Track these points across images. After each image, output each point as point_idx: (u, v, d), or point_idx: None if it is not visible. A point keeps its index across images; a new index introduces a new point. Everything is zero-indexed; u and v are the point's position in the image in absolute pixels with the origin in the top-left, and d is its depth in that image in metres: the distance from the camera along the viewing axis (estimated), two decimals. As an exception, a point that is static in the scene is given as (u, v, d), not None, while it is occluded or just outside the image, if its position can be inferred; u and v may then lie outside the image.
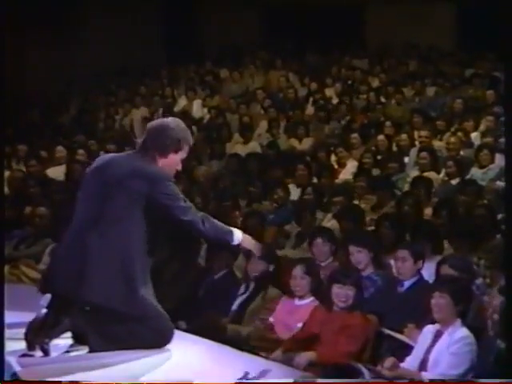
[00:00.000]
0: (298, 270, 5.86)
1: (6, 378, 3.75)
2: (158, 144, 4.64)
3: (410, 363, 5.01)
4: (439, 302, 4.92)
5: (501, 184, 7.99)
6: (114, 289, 4.46)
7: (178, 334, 4.81)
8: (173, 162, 4.70)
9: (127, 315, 4.50)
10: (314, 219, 7.84)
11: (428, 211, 7.64)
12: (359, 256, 6.16)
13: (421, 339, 5.06)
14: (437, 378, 4.70)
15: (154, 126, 4.74)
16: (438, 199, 7.90)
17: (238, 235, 4.77)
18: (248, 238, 4.87)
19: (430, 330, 5.03)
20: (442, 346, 4.86)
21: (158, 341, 4.61)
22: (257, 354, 5.35)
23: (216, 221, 4.73)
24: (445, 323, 4.92)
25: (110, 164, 4.69)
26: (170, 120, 4.80)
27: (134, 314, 4.50)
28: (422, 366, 4.93)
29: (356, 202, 8.40)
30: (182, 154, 4.73)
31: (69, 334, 4.61)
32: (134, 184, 4.52)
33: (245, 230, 7.46)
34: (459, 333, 4.84)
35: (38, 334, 4.45)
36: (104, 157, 4.88)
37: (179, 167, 4.78)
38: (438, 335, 4.94)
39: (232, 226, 4.94)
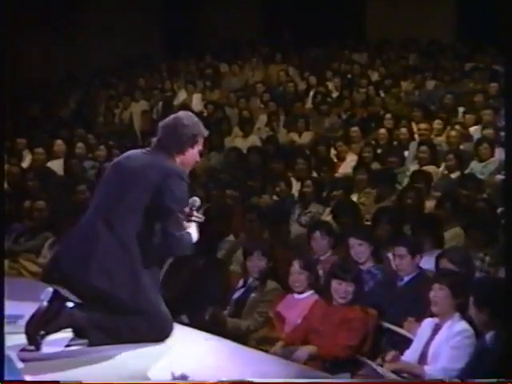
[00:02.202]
0: (295, 266, 5.86)
1: (7, 373, 3.74)
2: (174, 143, 4.68)
3: (409, 357, 5.01)
4: (438, 294, 4.92)
5: (501, 177, 7.99)
6: (117, 278, 4.49)
7: (178, 327, 4.81)
8: (191, 156, 4.76)
9: (128, 307, 4.51)
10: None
11: (428, 205, 7.65)
12: (360, 249, 6.16)
13: (420, 332, 5.07)
14: (438, 376, 4.69)
15: (168, 125, 4.76)
16: (441, 193, 7.90)
17: (194, 236, 4.67)
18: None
19: (428, 323, 5.03)
20: (441, 340, 4.86)
21: (157, 335, 4.61)
22: (257, 347, 5.36)
23: (183, 234, 4.62)
24: (443, 316, 4.92)
25: (129, 158, 4.74)
26: (182, 116, 4.81)
27: (135, 307, 4.52)
28: (421, 359, 4.93)
29: (356, 195, 8.41)
30: (199, 147, 4.79)
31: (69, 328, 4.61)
32: (149, 174, 4.56)
33: (244, 224, 7.59)
34: (458, 326, 4.84)
35: (38, 328, 4.46)
36: (125, 153, 4.88)
37: (198, 158, 4.84)
38: (436, 329, 4.94)
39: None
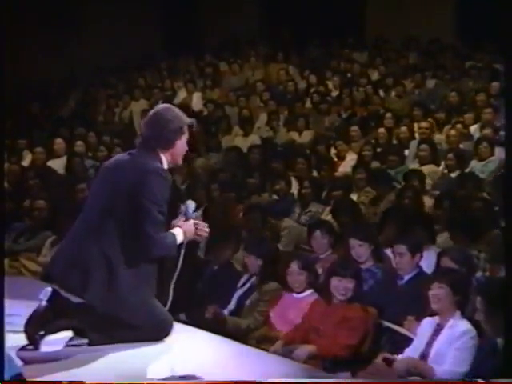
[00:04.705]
0: (294, 266, 5.87)
1: (7, 372, 3.74)
2: (161, 139, 4.61)
3: (408, 355, 5.00)
4: (438, 292, 4.91)
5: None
6: (111, 295, 4.43)
7: (177, 326, 4.81)
8: (180, 147, 4.70)
9: (125, 321, 4.49)
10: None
11: (426, 204, 7.65)
12: (360, 250, 6.17)
13: (420, 331, 5.06)
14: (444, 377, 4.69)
15: (152, 122, 4.67)
16: (439, 192, 7.91)
17: (179, 237, 4.60)
18: (186, 230, 4.64)
19: (429, 322, 5.02)
20: (444, 341, 4.84)
21: (156, 334, 4.60)
22: (256, 346, 5.36)
23: (165, 235, 4.54)
24: (444, 315, 4.91)
25: (114, 162, 4.70)
26: (163, 111, 4.70)
27: (132, 322, 4.50)
28: (422, 358, 4.91)
29: (355, 195, 8.41)
30: (186, 136, 4.73)
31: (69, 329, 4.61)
32: (128, 174, 4.50)
33: (245, 223, 7.60)
34: (461, 326, 4.82)
35: (37, 328, 4.45)
36: (114, 159, 4.80)
37: (186, 148, 4.77)
38: (438, 329, 4.93)
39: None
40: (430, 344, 4.91)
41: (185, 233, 4.64)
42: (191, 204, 4.78)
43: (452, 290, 4.88)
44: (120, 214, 4.46)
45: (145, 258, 4.49)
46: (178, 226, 4.66)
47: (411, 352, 5.01)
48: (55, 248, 7.47)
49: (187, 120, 4.76)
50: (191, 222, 4.72)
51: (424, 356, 4.89)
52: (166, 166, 4.63)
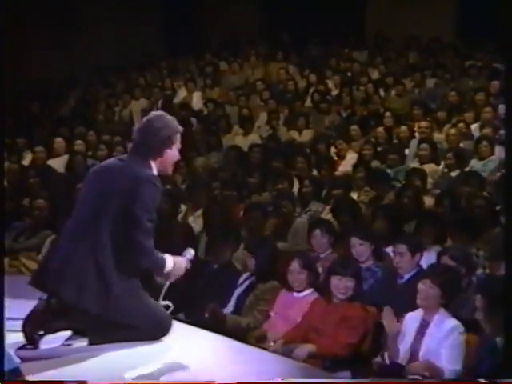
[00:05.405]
0: (295, 265, 5.86)
1: (7, 371, 3.75)
2: (149, 148, 4.59)
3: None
4: (427, 290, 4.94)
5: (500, 176, 7.98)
6: (106, 300, 4.42)
7: (177, 325, 4.81)
8: (170, 157, 4.68)
9: (123, 322, 4.48)
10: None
11: (427, 202, 7.65)
12: (361, 248, 6.18)
13: (406, 327, 5.07)
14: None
15: (142, 130, 4.67)
16: (439, 191, 7.91)
17: (168, 264, 4.59)
18: (176, 264, 4.65)
19: (414, 318, 5.03)
20: (432, 338, 4.85)
21: (155, 335, 4.61)
22: (256, 345, 5.36)
23: (157, 252, 4.53)
24: (429, 310, 4.93)
25: (104, 168, 4.69)
26: (153, 118, 4.68)
27: (130, 323, 4.49)
28: (412, 355, 4.91)
29: (356, 194, 8.41)
30: (177, 145, 4.71)
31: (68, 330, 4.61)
32: (120, 182, 4.48)
33: (246, 222, 7.59)
34: (449, 323, 4.85)
35: (36, 327, 4.45)
36: (103, 163, 4.80)
37: (177, 157, 4.75)
38: (424, 324, 4.94)
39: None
40: (417, 341, 4.92)
41: (174, 265, 4.61)
42: (191, 252, 4.84)
43: (441, 293, 4.90)
44: (110, 218, 4.44)
45: (135, 266, 4.50)
46: (172, 257, 4.64)
47: (400, 349, 5.01)
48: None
49: (179, 129, 4.73)
50: (184, 260, 4.74)
51: (413, 352, 4.90)
52: (156, 173, 4.61)
